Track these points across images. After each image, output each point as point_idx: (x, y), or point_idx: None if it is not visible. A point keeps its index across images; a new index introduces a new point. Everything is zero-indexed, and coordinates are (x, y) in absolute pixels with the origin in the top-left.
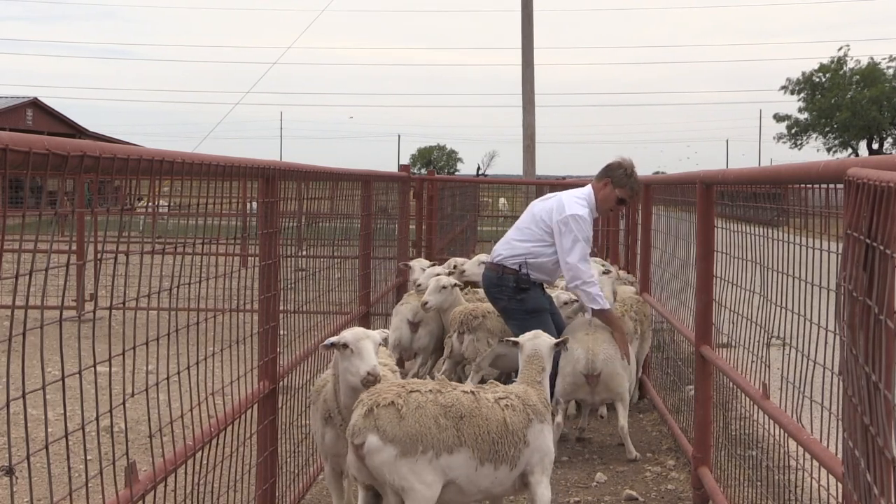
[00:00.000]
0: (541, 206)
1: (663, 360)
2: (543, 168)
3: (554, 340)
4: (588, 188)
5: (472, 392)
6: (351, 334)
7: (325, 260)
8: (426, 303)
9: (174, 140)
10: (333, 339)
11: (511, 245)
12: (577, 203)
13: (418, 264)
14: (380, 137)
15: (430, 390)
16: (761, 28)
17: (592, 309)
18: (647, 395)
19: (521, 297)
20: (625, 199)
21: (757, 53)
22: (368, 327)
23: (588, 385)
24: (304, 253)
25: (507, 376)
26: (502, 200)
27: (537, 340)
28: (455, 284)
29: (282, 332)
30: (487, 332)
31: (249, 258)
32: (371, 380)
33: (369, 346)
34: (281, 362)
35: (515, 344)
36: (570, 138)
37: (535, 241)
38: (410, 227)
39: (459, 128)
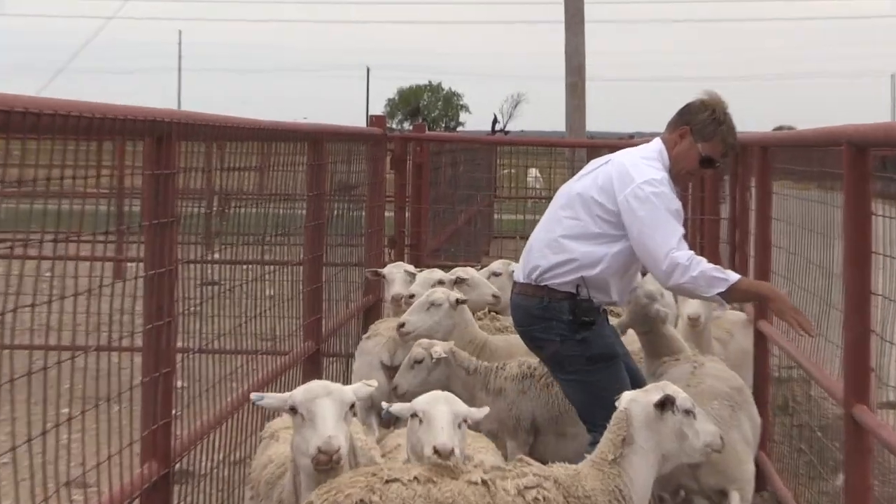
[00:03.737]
0: (586, 182)
1: (793, 428)
2: (598, 121)
3: (656, 397)
4: (656, 143)
5: (485, 481)
6: (302, 391)
7: (250, 267)
8: (402, 325)
9: (15, 76)
10: (277, 398)
11: (555, 247)
12: (646, 164)
13: (398, 271)
14: (338, 71)
15: (417, 479)
16: None
17: (724, 294)
18: (766, 486)
19: (581, 335)
20: (713, 158)
21: None
22: (319, 375)
23: (688, 470)
24: (217, 256)
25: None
26: (534, 172)
27: (635, 394)
28: (460, 301)
29: (180, 384)
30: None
31: (128, 264)
32: (323, 460)
33: (327, 409)
34: (179, 432)
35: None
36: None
37: (590, 237)
38: (387, 214)
39: (463, 56)
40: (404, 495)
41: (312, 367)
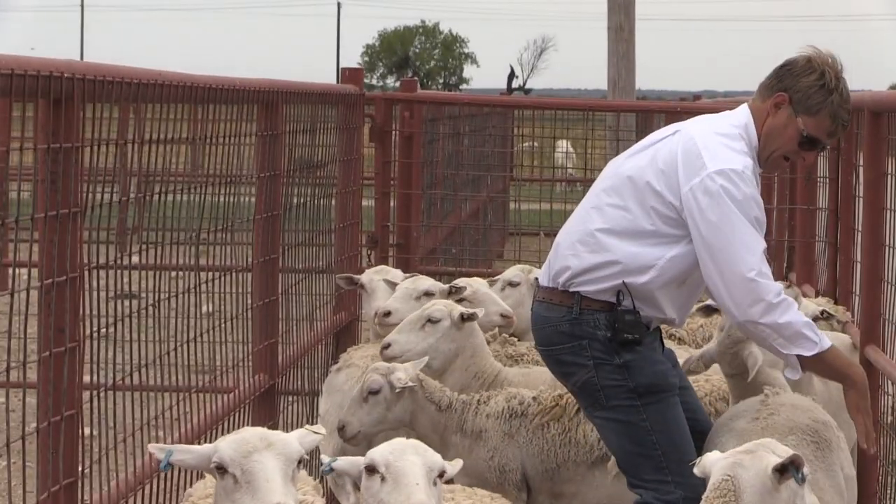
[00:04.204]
0: (641, 160)
1: None
2: (651, 77)
3: (773, 459)
4: (741, 114)
5: None
6: (232, 444)
7: (180, 275)
8: (388, 346)
9: None
10: (195, 453)
11: (591, 244)
12: (724, 144)
13: (380, 278)
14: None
15: None
16: None
17: (802, 358)
18: None
19: (623, 359)
20: (819, 138)
21: None
22: (274, 418)
23: None
24: (136, 260)
25: None
26: (564, 146)
27: (740, 457)
28: (466, 317)
29: (88, 432)
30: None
31: (16, 271)
32: None
33: (270, 467)
34: (88, 496)
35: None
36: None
37: (640, 235)
38: (365, 202)
39: None
40: None
41: (265, 409)
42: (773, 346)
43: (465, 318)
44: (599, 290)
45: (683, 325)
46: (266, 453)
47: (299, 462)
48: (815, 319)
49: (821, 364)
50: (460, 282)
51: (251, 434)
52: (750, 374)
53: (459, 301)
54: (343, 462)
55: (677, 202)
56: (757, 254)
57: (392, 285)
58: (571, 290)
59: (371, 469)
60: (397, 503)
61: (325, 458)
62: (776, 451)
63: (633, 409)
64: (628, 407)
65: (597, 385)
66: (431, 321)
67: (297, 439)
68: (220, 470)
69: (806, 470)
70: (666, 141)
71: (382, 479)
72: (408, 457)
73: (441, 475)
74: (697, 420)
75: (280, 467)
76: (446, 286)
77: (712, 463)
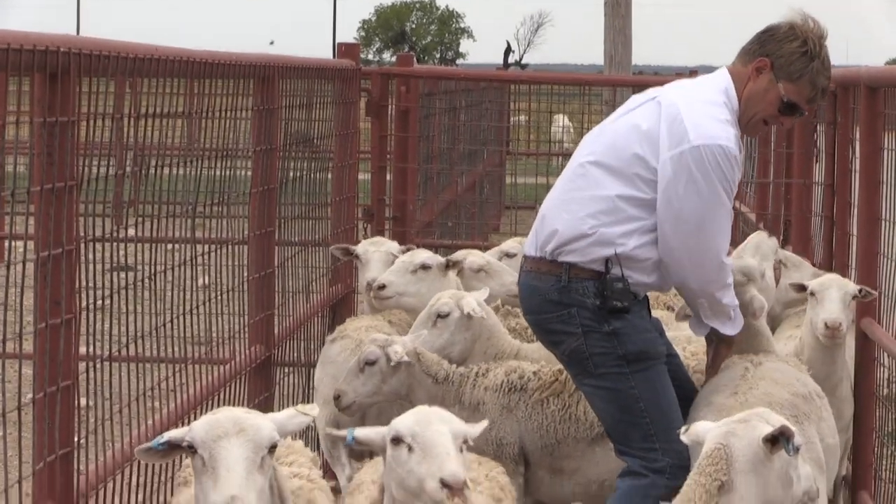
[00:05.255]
0: (624, 125)
1: None
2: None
3: (765, 429)
4: (720, 77)
5: None
6: (205, 425)
7: (177, 248)
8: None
9: None
10: (173, 432)
11: (574, 210)
12: (709, 112)
13: (376, 249)
14: None
15: None
16: None
17: (719, 329)
18: None
19: (612, 327)
20: (798, 103)
21: None
22: (269, 389)
23: None
24: (133, 233)
25: None
26: (561, 121)
27: (734, 426)
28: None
29: (84, 403)
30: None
31: (12, 243)
32: None
33: (234, 455)
34: (84, 466)
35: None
36: None
37: (625, 200)
38: (361, 176)
39: None
40: None
41: (261, 380)
42: (699, 312)
43: (471, 315)
44: (588, 259)
45: (671, 289)
46: (234, 440)
47: (272, 448)
48: (854, 298)
49: (724, 339)
50: (459, 255)
51: (225, 417)
52: (757, 317)
53: (459, 273)
54: (366, 432)
55: (656, 168)
56: (727, 236)
57: (390, 256)
58: (560, 259)
59: (397, 440)
60: (430, 473)
61: (331, 431)
62: (769, 421)
63: (621, 377)
64: (617, 374)
65: (585, 353)
66: (441, 316)
67: (283, 420)
68: (192, 449)
69: (798, 440)
70: (646, 106)
71: (409, 448)
72: (434, 426)
73: (466, 442)
74: (683, 388)
75: (246, 456)
76: (444, 259)
77: (705, 430)
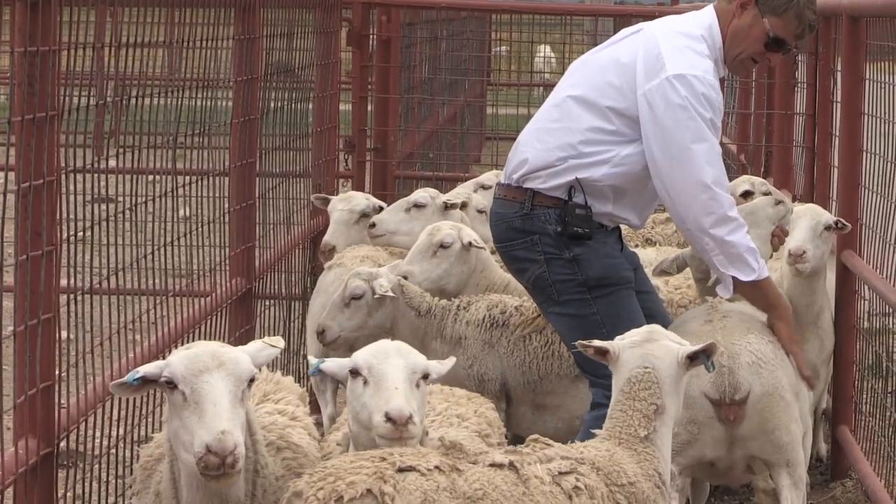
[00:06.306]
0: (608, 56)
1: (888, 395)
2: None
3: (687, 348)
4: (705, 15)
5: (513, 464)
6: (184, 360)
7: (157, 179)
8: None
9: None
10: (146, 370)
11: (547, 141)
12: (686, 48)
13: (342, 207)
14: None
15: (438, 467)
16: None
17: (736, 281)
18: (850, 471)
19: (573, 253)
20: (785, 38)
21: None
22: (250, 321)
23: (719, 428)
24: (113, 164)
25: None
26: (544, 50)
27: (649, 347)
28: (474, 244)
29: (65, 335)
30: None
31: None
32: (213, 463)
33: (218, 391)
34: (65, 400)
35: (600, 354)
36: None
37: (597, 131)
38: (343, 106)
39: None
40: (425, 488)
41: (242, 313)
42: (713, 262)
43: (471, 245)
44: (552, 186)
45: (643, 227)
46: (216, 374)
47: (251, 381)
48: (828, 229)
49: (753, 290)
50: (452, 195)
51: (203, 351)
52: (710, 280)
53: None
54: (331, 363)
55: (634, 101)
56: (715, 164)
57: (353, 215)
58: (525, 185)
59: (355, 372)
60: (377, 407)
61: (312, 360)
62: (672, 338)
63: (583, 303)
64: (579, 301)
65: (548, 280)
66: (443, 246)
67: (253, 352)
68: (171, 385)
69: (716, 358)
70: (630, 39)
71: (365, 381)
72: (391, 360)
73: (425, 377)
74: (658, 323)
75: (229, 389)
76: (443, 199)
77: (618, 347)
